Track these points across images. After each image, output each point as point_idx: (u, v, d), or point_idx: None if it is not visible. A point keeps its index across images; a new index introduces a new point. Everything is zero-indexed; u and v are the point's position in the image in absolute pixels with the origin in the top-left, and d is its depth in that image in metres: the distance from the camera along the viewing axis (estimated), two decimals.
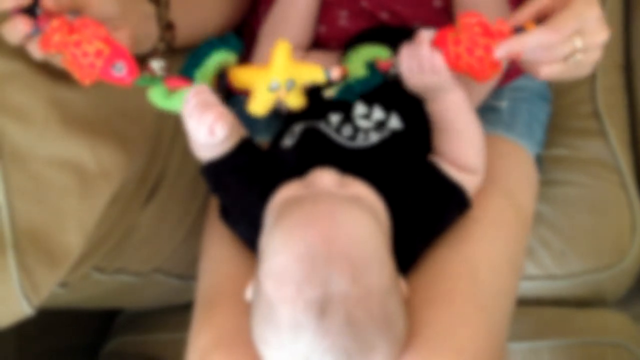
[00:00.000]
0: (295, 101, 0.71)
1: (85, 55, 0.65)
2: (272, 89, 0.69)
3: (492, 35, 0.68)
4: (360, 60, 0.72)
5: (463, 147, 0.75)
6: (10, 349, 1.10)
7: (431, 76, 0.70)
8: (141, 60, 0.76)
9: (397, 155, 0.74)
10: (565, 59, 0.67)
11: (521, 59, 0.68)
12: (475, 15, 0.68)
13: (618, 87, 1.14)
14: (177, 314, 1.08)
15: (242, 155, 0.74)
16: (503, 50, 0.67)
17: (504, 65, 0.70)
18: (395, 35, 0.77)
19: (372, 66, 0.72)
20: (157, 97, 0.68)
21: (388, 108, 0.77)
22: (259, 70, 0.69)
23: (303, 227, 0.63)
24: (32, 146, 0.69)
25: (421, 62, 0.70)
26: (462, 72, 0.70)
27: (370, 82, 0.73)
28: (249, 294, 0.69)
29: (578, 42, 0.66)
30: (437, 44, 0.69)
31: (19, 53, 0.68)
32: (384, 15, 0.86)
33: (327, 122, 0.76)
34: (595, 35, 0.67)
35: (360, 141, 0.75)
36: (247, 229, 0.75)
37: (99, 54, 0.65)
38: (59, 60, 0.68)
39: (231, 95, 1.00)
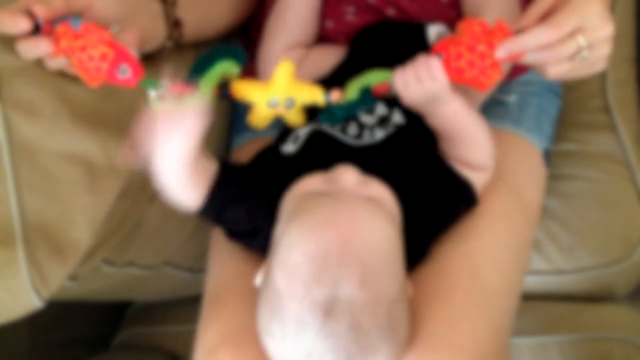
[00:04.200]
0: (294, 118, 0.74)
1: (91, 59, 0.66)
2: (271, 105, 0.70)
3: (492, 34, 0.67)
4: (358, 85, 0.72)
5: (471, 151, 0.75)
6: (23, 341, 1.11)
7: (429, 84, 0.69)
8: (150, 58, 0.77)
9: (404, 150, 0.74)
10: (572, 57, 0.66)
11: (525, 60, 0.68)
12: (475, 19, 0.68)
13: (629, 81, 1.13)
14: (187, 306, 1.08)
15: (228, 185, 0.73)
16: (504, 50, 0.66)
17: (505, 69, 0.70)
18: (400, 30, 0.77)
19: (366, 91, 0.72)
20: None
21: (390, 103, 0.77)
22: (261, 86, 0.71)
23: (321, 226, 0.63)
24: (42, 140, 0.70)
25: (417, 70, 0.68)
26: (463, 80, 0.69)
27: (356, 106, 0.73)
28: (258, 280, 0.69)
29: (581, 40, 0.65)
30: (438, 49, 0.69)
31: None
32: (390, 11, 0.86)
33: None
34: (599, 31, 0.66)
35: (367, 138, 0.75)
36: (264, 243, 0.72)
37: (103, 57, 0.66)
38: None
39: None
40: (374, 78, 0.72)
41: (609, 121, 1.09)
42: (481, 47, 0.67)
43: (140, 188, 0.84)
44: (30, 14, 0.66)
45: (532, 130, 0.90)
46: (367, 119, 0.76)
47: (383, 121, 0.76)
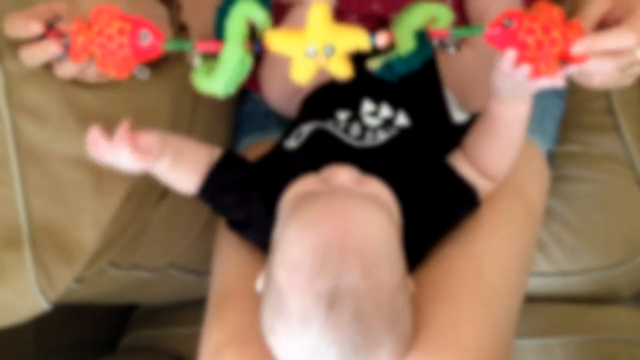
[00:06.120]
0: (339, 69, 0.64)
1: (111, 38, 0.65)
2: (309, 55, 0.62)
3: (569, 27, 0.63)
4: (410, 27, 0.64)
5: (498, 156, 0.74)
6: (29, 344, 1.12)
7: (521, 83, 0.65)
8: (157, 63, 0.77)
9: (406, 154, 0.74)
10: (623, 69, 0.65)
11: (586, 65, 0.64)
12: (556, 6, 0.63)
13: (633, 83, 1.13)
14: (193, 309, 1.08)
15: (228, 170, 0.74)
16: (584, 46, 0.62)
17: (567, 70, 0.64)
18: None
19: (422, 36, 0.64)
20: (200, 79, 0.66)
21: (395, 105, 0.77)
22: (295, 34, 0.63)
23: (318, 220, 0.64)
24: (48, 144, 0.71)
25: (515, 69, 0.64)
26: (521, 57, 0.63)
27: (416, 59, 0.65)
28: (259, 284, 0.70)
29: (639, 53, 0.64)
30: (511, 16, 0.62)
31: None
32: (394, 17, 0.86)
33: (335, 121, 0.77)
34: None
35: (369, 140, 0.75)
36: (257, 235, 0.76)
37: (121, 31, 0.65)
38: (89, 73, 0.70)
39: (245, 93, 1.00)
40: (428, 12, 0.64)
41: (612, 122, 1.09)
42: (555, 33, 0.62)
43: (147, 191, 0.84)
44: (41, 18, 0.66)
45: (536, 132, 0.90)
46: (371, 120, 0.76)
47: (387, 123, 0.76)
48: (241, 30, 0.63)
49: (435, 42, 0.65)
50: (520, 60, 0.63)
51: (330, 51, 0.62)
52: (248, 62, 0.64)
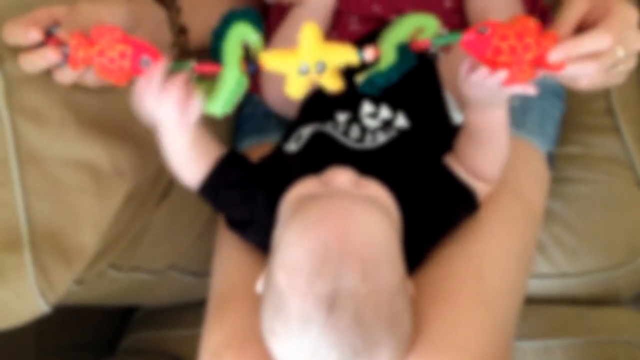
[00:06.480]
0: (330, 83, 0.67)
1: (112, 61, 0.66)
2: (302, 72, 0.66)
3: (544, 36, 0.63)
4: (394, 41, 0.67)
5: (488, 160, 0.74)
6: (29, 345, 1.12)
7: (496, 82, 0.65)
8: None
9: (406, 155, 0.75)
10: (608, 69, 0.65)
11: (566, 69, 0.64)
12: (532, 17, 0.64)
13: (632, 83, 1.12)
14: (193, 311, 1.08)
15: (231, 168, 0.75)
16: (561, 52, 0.63)
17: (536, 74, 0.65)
18: None
19: (404, 49, 0.67)
20: (199, 101, 0.67)
21: (395, 107, 0.77)
22: (288, 53, 0.66)
23: (318, 223, 0.64)
24: (48, 147, 0.71)
25: (485, 80, 0.65)
26: (495, 63, 0.64)
27: (394, 72, 0.68)
28: (259, 286, 0.70)
29: (620, 52, 0.64)
30: (487, 24, 0.64)
31: None
32: (394, 18, 0.86)
33: (335, 123, 0.77)
34: (633, 43, 0.65)
35: (368, 142, 0.75)
36: (256, 236, 0.76)
37: (123, 55, 0.66)
38: (89, 79, 0.70)
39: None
40: (406, 28, 0.66)
41: (612, 123, 1.09)
42: (529, 40, 0.63)
43: (146, 193, 0.84)
44: (39, 25, 0.66)
45: (535, 133, 0.90)
46: (370, 122, 0.76)
47: (386, 125, 0.76)
48: (237, 53, 0.66)
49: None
50: (493, 66, 0.64)
51: (321, 68, 0.65)
52: (244, 82, 0.67)
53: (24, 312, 0.72)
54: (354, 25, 0.87)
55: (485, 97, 0.68)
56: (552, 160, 0.95)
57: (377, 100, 0.77)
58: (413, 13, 0.67)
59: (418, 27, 0.67)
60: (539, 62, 0.64)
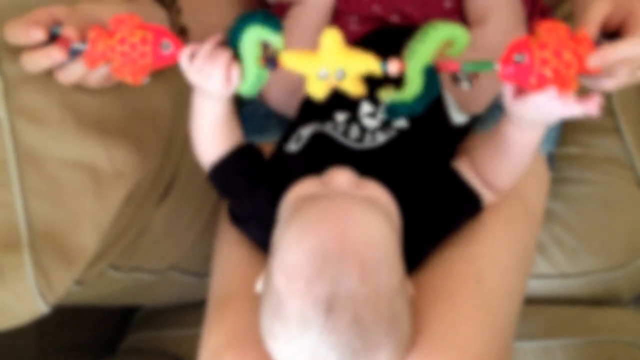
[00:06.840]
0: (351, 88, 0.66)
1: (134, 47, 0.66)
2: (321, 77, 0.65)
3: (578, 42, 0.62)
4: (422, 60, 0.64)
5: (506, 174, 0.74)
6: (30, 346, 1.12)
7: (547, 114, 0.64)
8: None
9: (405, 155, 0.74)
10: (633, 71, 0.66)
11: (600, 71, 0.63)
12: (558, 22, 0.62)
13: (633, 85, 1.13)
14: (193, 311, 1.08)
15: (246, 157, 0.75)
16: (598, 59, 0.62)
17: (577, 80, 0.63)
18: (399, 35, 0.77)
19: (431, 74, 0.64)
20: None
21: None
22: (308, 56, 0.65)
23: (317, 224, 0.64)
24: (47, 147, 0.71)
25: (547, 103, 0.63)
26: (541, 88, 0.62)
27: (420, 104, 0.66)
28: (259, 286, 0.70)
29: None
30: (520, 48, 0.62)
31: None
32: (394, 18, 0.86)
33: (334, 123, 0.77)
34: None
35: (368, 142, 0.75)
36: (257, 231, 0.76)
37: (144, 41, 0.66)
38: (92, 79, 0.70)
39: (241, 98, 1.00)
40: (434, 43, 0.63)
41: (613, 124, 1.09)
42: (567, 55, 0.61)
43: (146, 193, 0.84)
44: (40, 24, 0.66)
45: None
46: (369, 121, 0.76)
47: (385, 124, 0.76)
48: (256, 52, 0.66)
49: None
50: (536, 89, 0.62)
51: (341, 75, 0.64)
52: (265, 75, 0.68)
53: (24, 312, 0.71)
54: (354, 25, 0.87)
55: (535, 117, 0.66)
56: (553, 160, 0.95)
57: (375, 100, 0.77)
58: (442, 22, 0.64)
59: (447, 39, 0.64)
60: (579, 70, 0.63)
